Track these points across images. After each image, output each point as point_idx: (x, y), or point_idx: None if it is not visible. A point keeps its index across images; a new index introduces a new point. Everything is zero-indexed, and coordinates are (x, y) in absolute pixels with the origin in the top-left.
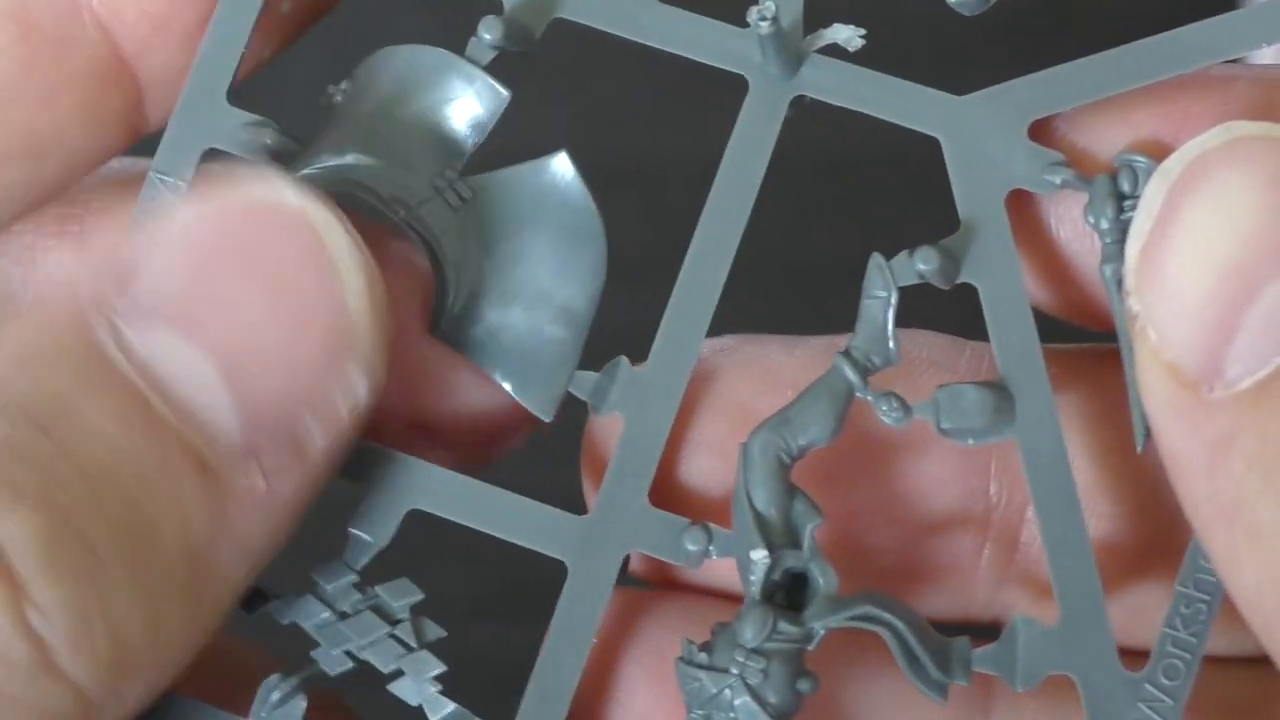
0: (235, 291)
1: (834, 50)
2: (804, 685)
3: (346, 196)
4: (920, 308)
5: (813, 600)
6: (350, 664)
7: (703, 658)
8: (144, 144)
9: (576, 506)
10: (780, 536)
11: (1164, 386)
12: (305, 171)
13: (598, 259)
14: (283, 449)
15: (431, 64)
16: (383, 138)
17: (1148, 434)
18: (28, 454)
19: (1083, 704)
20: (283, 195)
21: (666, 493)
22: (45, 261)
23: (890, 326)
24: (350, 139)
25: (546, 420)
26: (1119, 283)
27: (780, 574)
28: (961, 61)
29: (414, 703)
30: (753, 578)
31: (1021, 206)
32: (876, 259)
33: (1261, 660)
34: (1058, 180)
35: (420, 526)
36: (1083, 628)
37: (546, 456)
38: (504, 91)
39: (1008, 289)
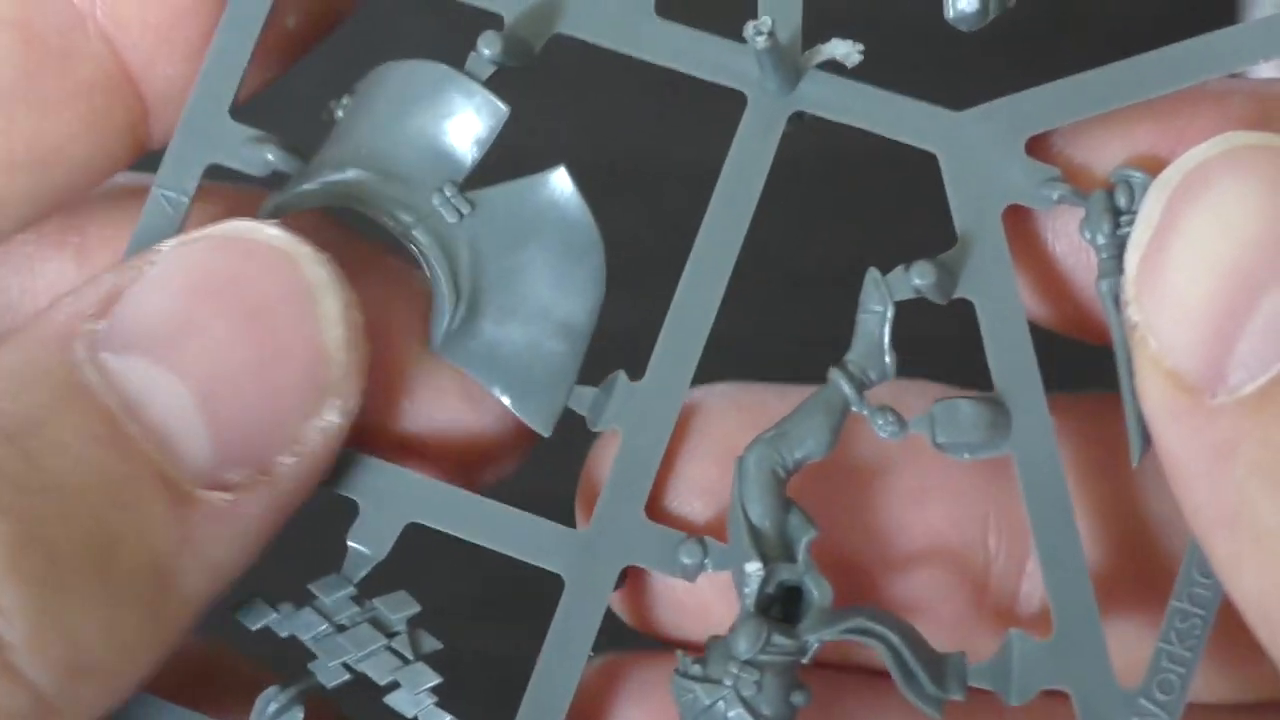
0: (215, 323)
1: (832, 65)
2: (797, 698)
3: (346, 211)
4: (916, 322)
5: (807, 613)
6: (347, 676)
7: (697, 669)
8: (149, 161)
9: (569, 519)
10: (775, 549)
11: (1165, 393)
12: (306, 186)
13: (596, 274)
14: (251, 472)
15: (431, 79)
16: (383, 153)
17: (1144, 446)
18: (1, 466)
19: (1077, 718)
20: (265, 233)
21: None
22: (45, 272)
23: (886, 341)
24: (351, 154)
25: (545, 435)
26: (1115, 298)
27: (775, 587)
28: (959, 73)
29: (410, 715)
30: (747, 590)
31: (1018, 221)
32: (873, 274)
33: (1252, 707)
34: (1054, 195)
35: (419, 528)
36: (1077, 642)
37: (543, 470)
38: (503, 107)
39: (1004, 304)
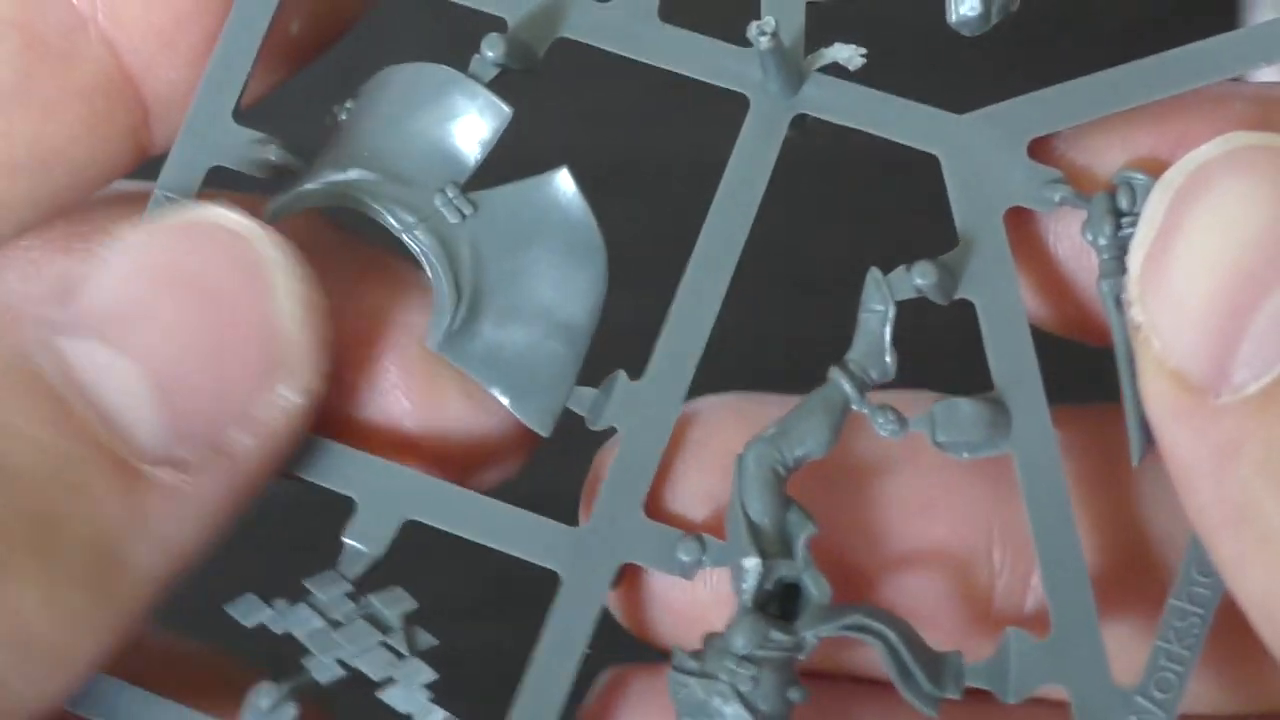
0: (168, 305)
1: (835, 69)
2: (794, 694)
3: (348, 212)
4: (918, 322)
5: (805, 610)
6: (341, 672)
7: (693, 664)
8: (152, 167)
9: (570, 518)
10: (774, 546)
11: (1169, 394)
12: (308, 186)
13: (598, 275)
14: (205, 450)
15: (435, 81)
16: (386, 154)
17: (1144, 447)
18: None
19: (1074, 716)
20: (223, 219)
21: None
22: (49, 277)
23: (887, 340)
24: (354, 155)
25: (544, 435)
26: (1116, 298)
27: (773, 583)
28: (962, 78)
29: (404, 710)
30: (745, 586)
31: (1020, 224)
32: (874, 274)
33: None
34: (1056, 197)
35: (417, 525)
36: (1075, 640)
37: (543, 470)
38: (506, 108)
39: (1005, 305)
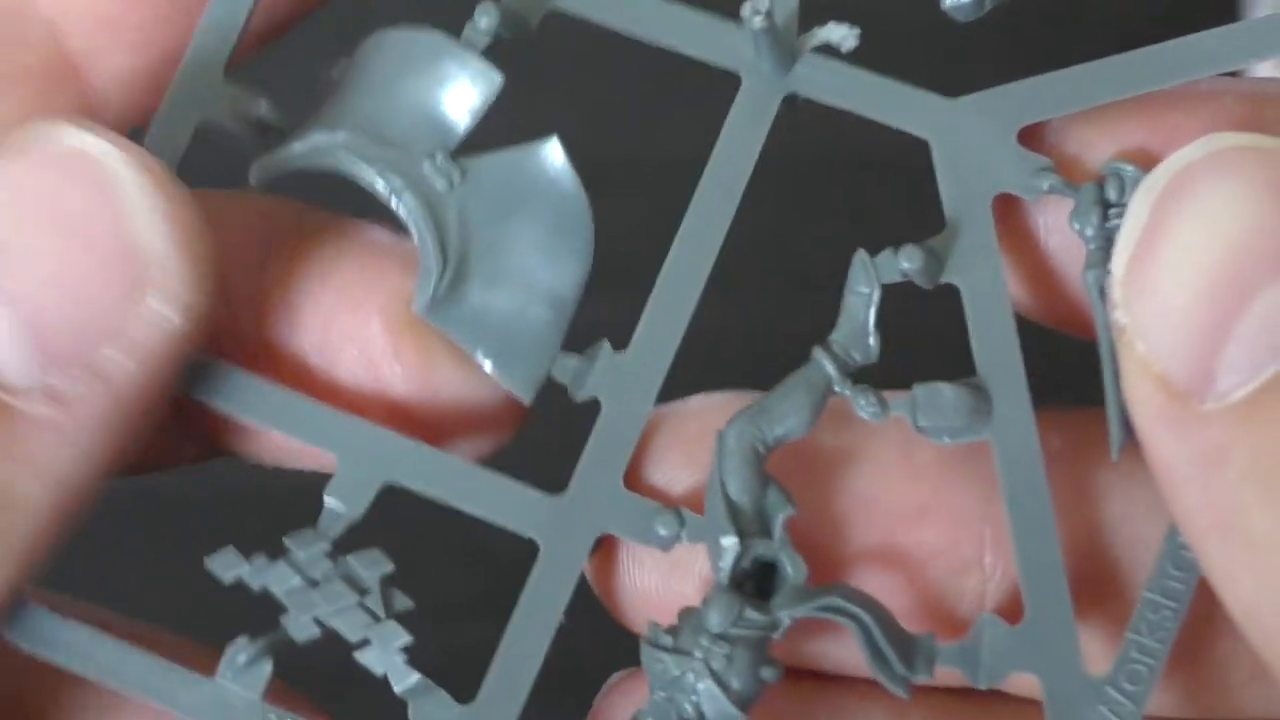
0: (25, 238)
1: (828, 50)
2: (767, 673)
3: (337, 173)
4: (903, 306)
5: (780, 589)
6: (317, 631)
7: (667, 640)
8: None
9: (552, 489)
10: (751, 525)
11: (1153, 398)
12: (295, 147)
13: (585, 244)
14: (80, 379)
15: (427, 47)
16: (376, 117)
17: (1125, 440)
18: None
19: (1044, 703)
20: (75, 139)
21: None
22: None
23: (872, 323)
24: (344, 117)
25: (526, 401)
26: (1101, 289)
27: (750, 561)
28: (956, 65)
29: (379, 672)
30: (722, 564)
31: (1009, 211)
32: (861, 255)
33: None
34: (1044, 186)
35: (418, 524)
36: (1048, 628)
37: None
38: (498, 76)
39: (990, 290)
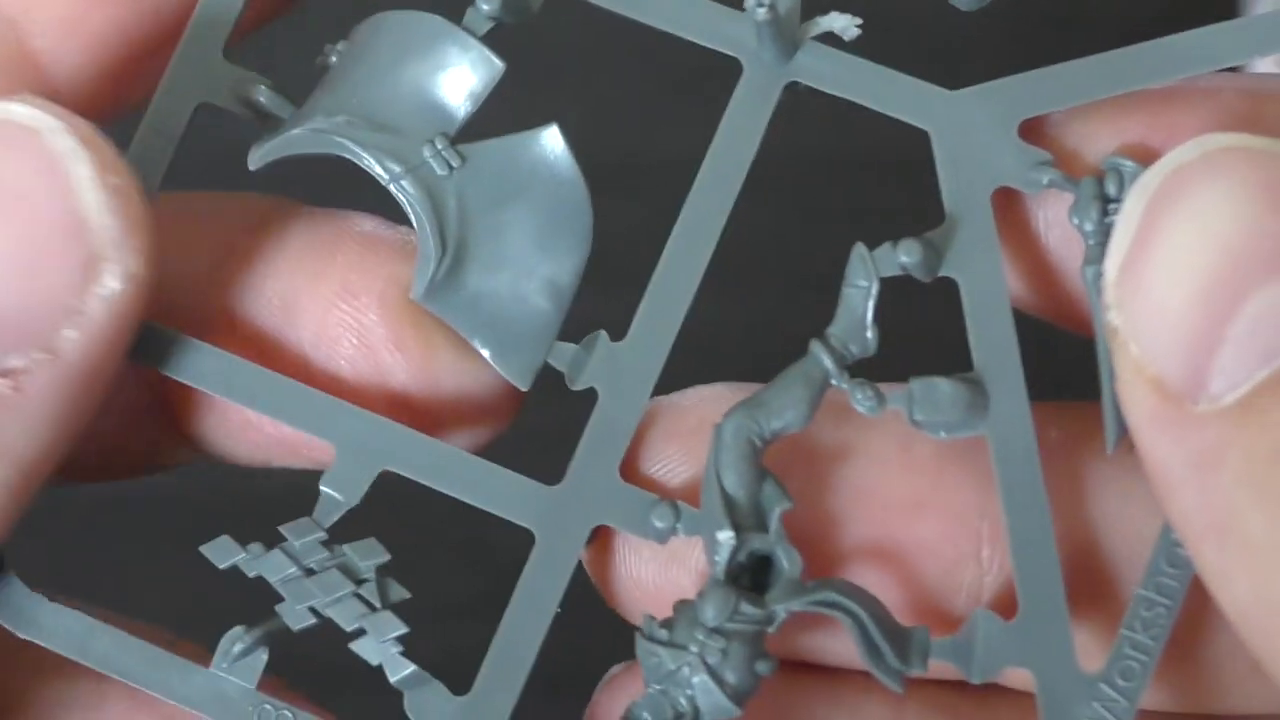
0: None
1: (830, 40)
2: (762, 667)
3: (336, 158)
4: (901, 300)
5: (776, 583)
6: (313, 620)
7: (663, 634)
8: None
9: (548, 479)
10: (747, 519)
11: (1147, 399)
12: (294, 132)
13: (584, 232)
14: (33, 353)
15: (428, 31)
16: (375, 101)
17: (1119, 436)
18: None
19: (1037, 698)
20: (13, 115)
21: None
22: None
23: (870, 316)
24: (342, 101)
25: (523, 388)
26: (1099, 284)
27: (745, 555)
28: (959, 58)
29: (374, 662)
30: (717, 558)
31: (1009, 204)
32: (859, 248)
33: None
34: (1044, 180)
35: (420, 523)
36: (1042, 623)
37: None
38: (499, 62)
39: (988, 284)
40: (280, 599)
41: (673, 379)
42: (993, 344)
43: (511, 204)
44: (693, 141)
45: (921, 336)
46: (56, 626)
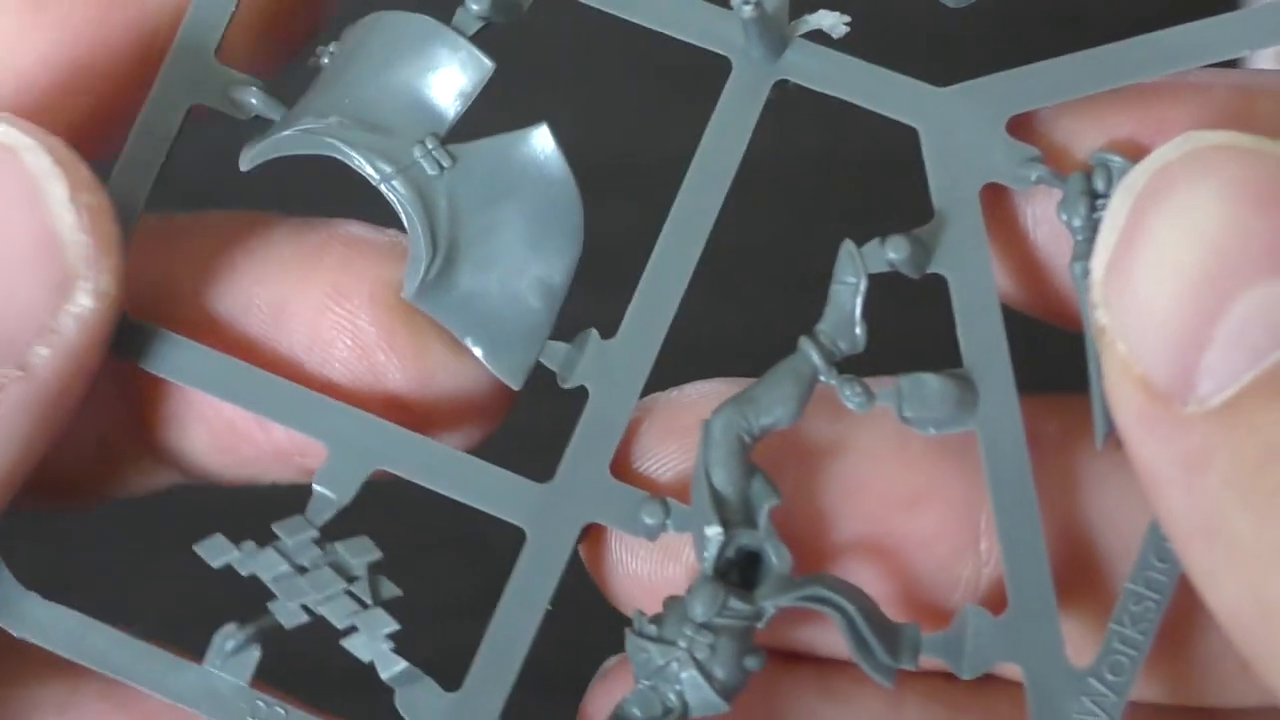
0: None
1: (821, 38)
2: (751, 662)
3: (328, 161)
4: (891, 296)
5: (765, 579)
6: (305, 617)
7: (652, 629)
8: None
9: (540, 478)
10: (736, 515)
11: (1135, 400)
12: (286, 133)
13: (575, 231)
14: (9, 375)
15: (418, 32)
16: (366, 102)
17: (1108, 432)
18: None
19: (1026, 694)
20: None
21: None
22: None
23: (858, 313)
24: (333, 102)
25: (515, 387)
26: (1087, 280)
27: (734, 551)
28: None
29: (366, 659)
30: (706, 554)
31: (997, 201)
32: (848, 245)
33: (1178, 710)
34: (1033, 176)
35: (418, 522)
36: (1031, 619)
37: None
38: (488, 62)
39: (977, 281)
40: (273, 597)
41: (667, 379)
42: (981, 340)
43: (502, 203)
44: (685, 142)
45: (910, 333)
46: (52, 624)
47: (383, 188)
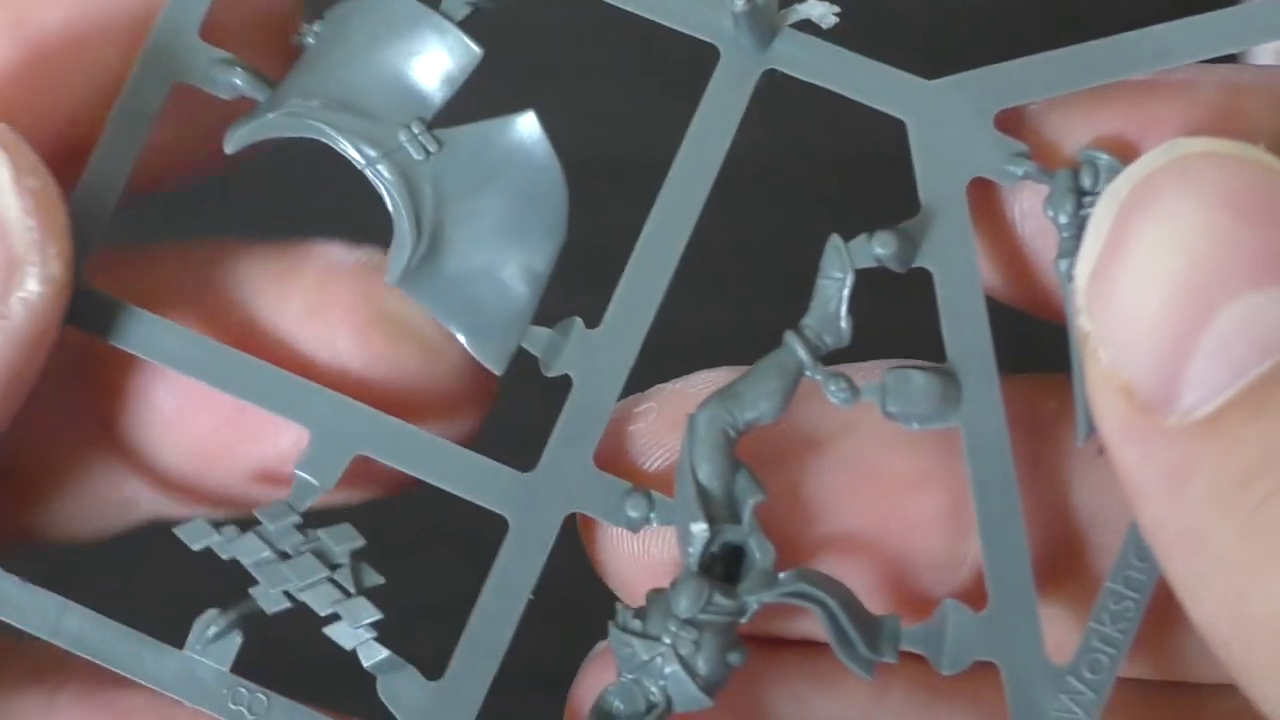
0: None
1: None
2: (734, 657)
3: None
4: (878, 290)
5: (749, 574)
6: (287, 604)
7: (636, 624)
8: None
9: (524, 466)
10: (721, 511)
11: (1118, 409)
12: (270, 116)
13: (559, 217)
14: None
15: (405, 15)
16: (351, 85)
17: (1090, 431)
18: None
19: (1006, 691)
20: None
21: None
22: None
23: (844, 308)
24: (318, 84)
25: (498, 372)
26: (1072, 278)
27: (718, 546)
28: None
29: (348, 647)
30: (691, 550)
31: (984, 195)
32: (834, 241)
33: (1161, 685)
34: (1020, 171)
35: (416, 518)
36: (1011, 616)
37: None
38: (476, 48)
39: (962, 275)
40: (255, 583)
41: (655, 373)
42: (966, 335)
43: (487, 189)
44: (677, 138)
45: (896, 327)
46: (27, 604)
47: (368, 172)
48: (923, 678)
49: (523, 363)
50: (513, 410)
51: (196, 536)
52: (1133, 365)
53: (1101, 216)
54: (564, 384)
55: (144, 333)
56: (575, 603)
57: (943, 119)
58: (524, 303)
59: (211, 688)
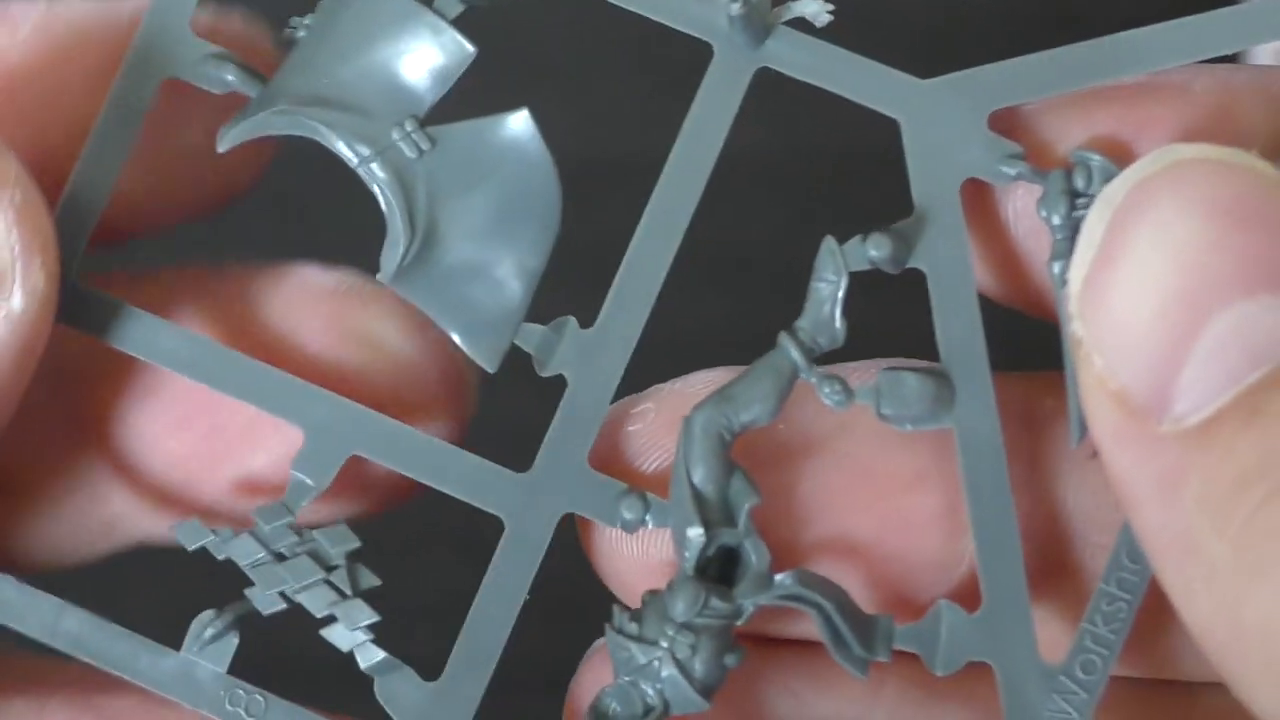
0: None
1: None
2: (730, 660)
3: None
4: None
5: (744, 577)
6: (283, 605)
7: (633, 628)
8: None
9: (519, 467)
10: (716, 513)
11: (1111, 415)
12: (262, 115)
13: (552, 215)
14: None
15: (397, 12)
16: (344, 83)
17: (1083, 434)
18: None
19: (999, 691)
20: None
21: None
22: None
23: (839, 310)
24: (310, 82)
25: (491, 370)
26: (1065, 279)
27: (714, 549)
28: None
29: (344, 649)
30: (687, 554)
31: (978, 195)
32: (829, 243)
33: (1151, 683)
34: (1013, 172)
35: (416, 519)
36: (1005, 617)
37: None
38: (469, 47)
39: (956, 276)
40: (250, 584)
41: (650, 373)
42: (959, 336)
43: (481, 187)
44: (673, 139)
45: (890, 328)
46: (25, 606)
47: (360, 170)
48: (917, 675)
49: (518, 363)
50: (508, 411)
51: (191, 537)
52: (1126, 372)
53: (1095, 222)
54: (559, 384)
55: (140, 332)
56: (572, 602)
57: (936, 119)
58: (517, 300)
59: (209, 689)
